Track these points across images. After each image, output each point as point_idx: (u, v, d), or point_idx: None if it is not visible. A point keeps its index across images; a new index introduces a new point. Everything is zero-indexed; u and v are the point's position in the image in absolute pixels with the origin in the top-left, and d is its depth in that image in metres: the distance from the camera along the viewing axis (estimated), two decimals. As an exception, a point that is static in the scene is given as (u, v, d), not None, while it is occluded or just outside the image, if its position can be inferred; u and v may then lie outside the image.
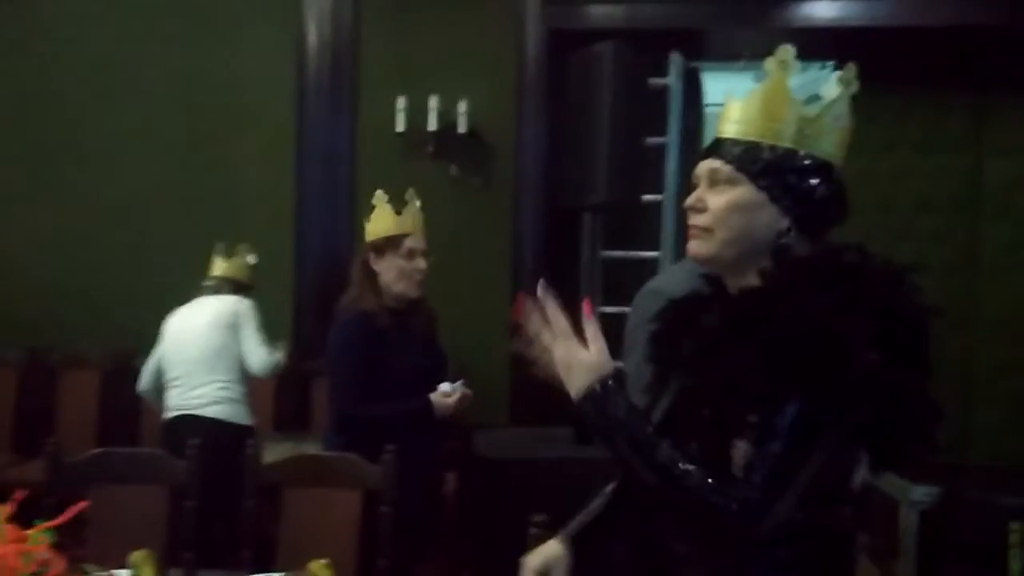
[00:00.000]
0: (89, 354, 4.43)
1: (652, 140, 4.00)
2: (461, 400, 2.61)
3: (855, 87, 1.30)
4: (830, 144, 1.29)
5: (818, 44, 4.23)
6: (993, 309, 4.60)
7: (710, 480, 1.17)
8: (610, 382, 1.23)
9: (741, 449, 1.19)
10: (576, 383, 1.24)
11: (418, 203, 2.68)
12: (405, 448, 2.42)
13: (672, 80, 4.08)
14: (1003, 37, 4.18)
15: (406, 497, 2.43)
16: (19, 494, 1.63)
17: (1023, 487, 3.82)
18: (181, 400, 3.37)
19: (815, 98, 1.30)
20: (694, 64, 4.19)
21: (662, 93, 4.08)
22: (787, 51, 1.29)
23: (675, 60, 4.08)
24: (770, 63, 1.29)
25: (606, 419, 1.22)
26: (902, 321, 1.19)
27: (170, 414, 3.39)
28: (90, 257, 4.55)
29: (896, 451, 1.23)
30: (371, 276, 2.60)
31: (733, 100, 1.32)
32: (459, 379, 2.66)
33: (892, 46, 4.19)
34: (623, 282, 4.24)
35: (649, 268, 4.11)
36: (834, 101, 1.29)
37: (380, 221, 2.64)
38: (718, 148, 1.31)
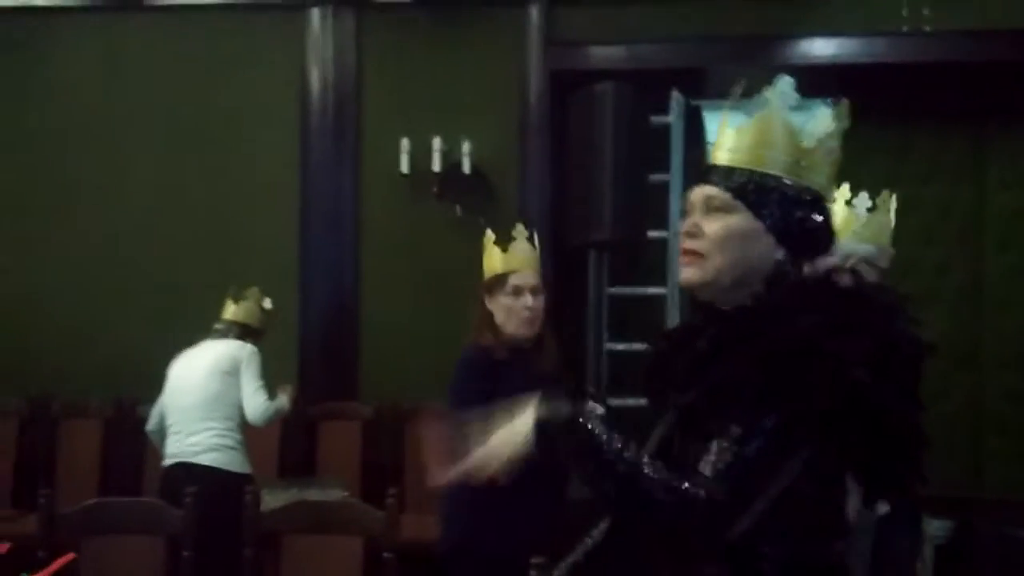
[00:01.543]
0: (91, 402, 4.39)
1: (655, 177, 4.02)
2: None
3: (847, 122, 1.31)
4: (823, 176, 1.31)
5: (818, 81, 4.25)
6: (1000, 340, 4.58)
7: (671, 481, 1.15)
8: (548, 406, 1.23)
9: (713, 449, 1.18)
10: (521, 429, 1.23)
11: (527, 236, 2.61)
12: (526, 491, 2.35)
13: (673, 118, 4.12)
14: (1002, 71, 4.22)
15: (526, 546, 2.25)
16: (3, 547, 1.59)
17: (1040, 520, 3.77)
18: (177, 448, 3.34)
19: (811, 133, 1.31)
20: (695, 102, 4.22)
21: (664, 131, 4.11)
22: (787, 82, 1.31)
23: (676, 98, 4.12)
24: (769, 93, 1.30)
25: (564, 438, 1.21)
26: (895, 347, 1.18)
27: (167, 462, 3.37)
28: (92, 304, 4.51)
29: (885, 480, 1.21)
30: (487, 315, 2.55)
31: (727, 128, 1.33)
32: None
33: (892, 82, 4.23)
34: (630, 319, 4.26)
35: (656, 304, 4.11)
36: (828, 135, 1.30)
37: (489, 260, 2.61)
38: (712, 175, 1.32)
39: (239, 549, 2.59)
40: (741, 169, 1.29)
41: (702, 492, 1.14)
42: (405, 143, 4.34)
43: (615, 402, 3.33)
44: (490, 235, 2.62)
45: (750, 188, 1.28)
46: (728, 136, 1.32)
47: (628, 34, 4.35)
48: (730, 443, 1.16)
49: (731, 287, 1.28)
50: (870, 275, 2.08)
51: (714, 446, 1.18)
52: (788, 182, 1.28)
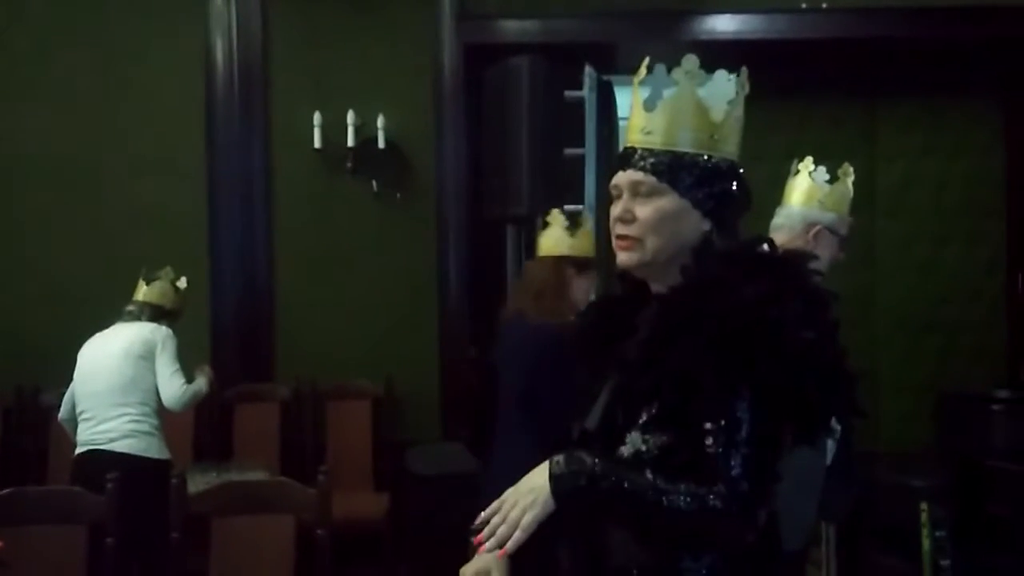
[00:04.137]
0: (-12, 392, 4.18)
1: (571, 151, 4.07)
2: None
3: (748, 89, 1.37)
4: (734, 145, 1.38)
5: (721, 56, 4.39)
6: (891, 303, 4.87)
7: (697, 492, 1.18)
8: (560, 462, 1.24)
9: (708, 445, 1.21)
10: (540, 490, 1.24)
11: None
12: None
13: (587, 92, 4.17)
14: (891, 47, 4.45)
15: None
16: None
17: (931, 470, 4.04)
18: (89, 435, 3.21)
19: (719, 107, 1.36)
20: (606, 77, 4.29)
21: (578, 105, 4.16)
22: (692, 60, 1.35)
23: (589, 73, 4.18)
24: (678, 73, 1.35)
25: (586, 495, 1.23)
26: (816, 302, 1.26)
27: (79, 450, 3.23)
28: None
29: (824, 422, 1.28)
30: (566, 288, 2.60)
31: (640, 109, 1.37)
32: None
33: (792, 57, 4.41)
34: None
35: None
36: (734, 104, 1.36)
37: (587, 240, 2.67)
38: (633, 159, 1.36)
39: (164, 534, 2.52)
40: (660, 151, 1.34)
41: (724, 491, 1.18)
42: (317, 117, 4.27)
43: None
44: (588, 212, 2.73)
45: (672, 170, 1.33)
46: (642, 118, 1.36)
47: (540, 7, 4.37)
48: (718, 435, 1.20)
49: (665, 264, 1.35)
50: (832, 242, 2.20)
51: (707, 441, 1.21)
52: (706, 157, 1.34)
